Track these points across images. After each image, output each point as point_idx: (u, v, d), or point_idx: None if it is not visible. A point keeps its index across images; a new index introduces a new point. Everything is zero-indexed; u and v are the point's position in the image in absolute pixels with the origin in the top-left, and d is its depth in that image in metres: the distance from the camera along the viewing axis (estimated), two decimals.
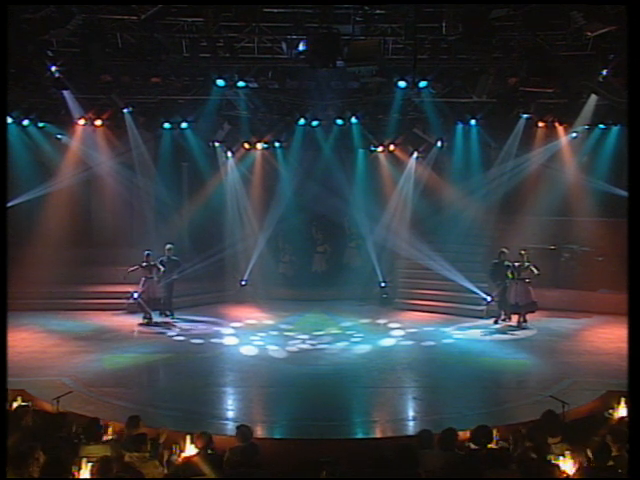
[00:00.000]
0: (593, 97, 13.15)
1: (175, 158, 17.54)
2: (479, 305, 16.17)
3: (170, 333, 14.80)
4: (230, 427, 8.82)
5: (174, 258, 16.09)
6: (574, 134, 16.42)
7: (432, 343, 13.97)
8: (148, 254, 15.69)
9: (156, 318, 15.78)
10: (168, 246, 16.12)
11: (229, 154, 17.91)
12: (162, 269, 15.75)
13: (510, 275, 15.24)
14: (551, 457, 6.84)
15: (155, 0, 9.60)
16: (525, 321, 15.25)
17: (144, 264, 15.61)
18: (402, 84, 12.35)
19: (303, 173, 18.01)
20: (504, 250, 15.47)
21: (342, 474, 6.91)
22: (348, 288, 18.20)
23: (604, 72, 11.27)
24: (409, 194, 18.14)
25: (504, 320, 15.58)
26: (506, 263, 15.32)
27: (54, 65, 11.46)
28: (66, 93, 12.96)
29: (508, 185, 16.95)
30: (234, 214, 18.40)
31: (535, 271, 15.07)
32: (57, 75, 11.55)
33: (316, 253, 19.55)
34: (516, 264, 15.22)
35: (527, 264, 15.08)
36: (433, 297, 17.09)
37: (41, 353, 12.79)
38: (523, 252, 15.25)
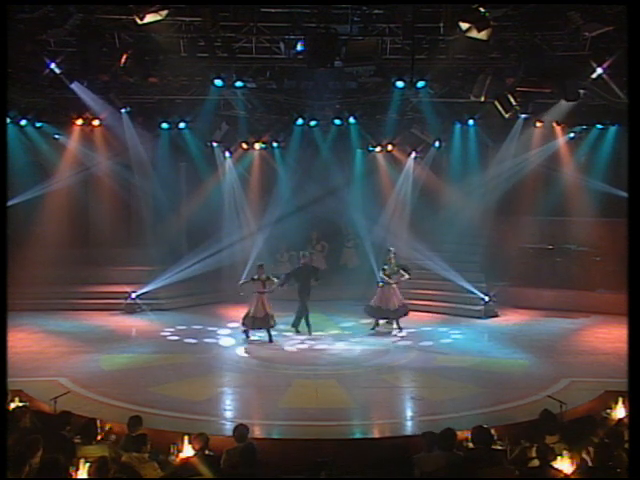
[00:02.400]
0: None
1: (173, 158, 17.51)
2: (477, 305, 16.19)
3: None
4: (228, 427, 8.80)
5: (310, 265, 15.26)
6: (572, 134, 16.46)
7: (430, 343, 13.96)
8: (261, 265, 14.41)
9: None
10: (302, 252, 15.41)
11: (227, 154, 17.90)
12: (276, 280, 14.42)
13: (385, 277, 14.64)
14: (549, 457, 6.83)
15: (154, 0, 9.58)
16: (399, 328, 14.72)
17: (255, 277, 14.15)
18: (400, 84, 12.35)
19: (301, 173, 18.01)
20: (390, 248, 14.92)
21: (340, 474, 6.91)
22: (347, 288, 18.20)
23: (601, 72, 11.26)
24: (408, 194, 18.15)
25: (377, 325, 14.92)
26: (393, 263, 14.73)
27: (52, 64, 11.40)
28: (75, 86, 12.64)
29: (506, 185, 16.96)
30: (232, 214, 18.40)
31: (406, 275, 14.55)
32: (57, 72, 11.45)
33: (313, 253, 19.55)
34: (385, 267, 14.68)
35: (395, 268, 14.47)
36: (431, 297, 17.09)
37: (39, 353, 12.78)
38: (391, 248, 14.65)
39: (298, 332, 14.73)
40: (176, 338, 14.34)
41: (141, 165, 17.08)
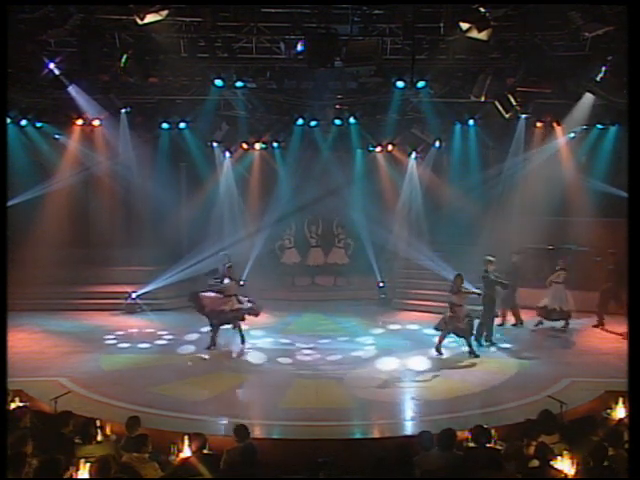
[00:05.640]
0: (588, 97, 13.06)
1: (173, 158, 17.51)
2: (477, 305, 16.15)
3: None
4: (228, 427, 8.80)
5: (495, 275, 13.59)
6: (572, 134, 16.44)
7: (430, 343, 13.93)
8: (459, 275, 12.97)
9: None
10: (489, 258, 13.57)
11: (227, 154, 17.90)
12: (476, 291, 13.21)
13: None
14: (549, 456, 6.83)
15: (154, 0, 9.59)
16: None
17: (454, 288, 12.84)
18: (400, 84, 12.36)
19: (301, 173, 18.01)
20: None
21: (340, 474, 6.91)
22: (342, 289, 18.23)
23: (602, 72, 11.27)
24: (416, 198, 18.18)
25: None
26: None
27: (52, 64, 11.41)
28: (72, 89, 12.55)
29: (506, 185, 16.95)
30: (232, 214, 18.38)
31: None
32: (57, 73, 11.46)
33: (313, 247, 19.58)
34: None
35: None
36: (431, 297, 17.05)
37: (39, 353, 12.78)
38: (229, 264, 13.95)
39: (493, 344, 13.55)
40: (174, 338, 14.32)
41: (130, 170, 17.01)
